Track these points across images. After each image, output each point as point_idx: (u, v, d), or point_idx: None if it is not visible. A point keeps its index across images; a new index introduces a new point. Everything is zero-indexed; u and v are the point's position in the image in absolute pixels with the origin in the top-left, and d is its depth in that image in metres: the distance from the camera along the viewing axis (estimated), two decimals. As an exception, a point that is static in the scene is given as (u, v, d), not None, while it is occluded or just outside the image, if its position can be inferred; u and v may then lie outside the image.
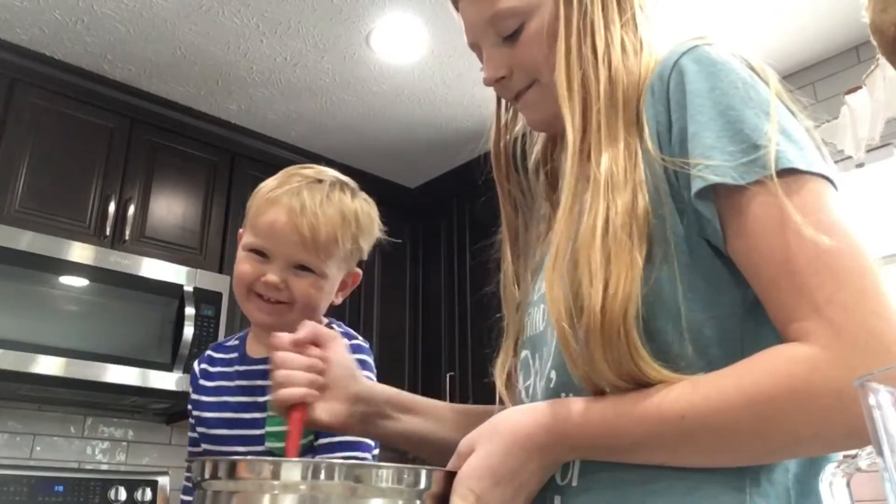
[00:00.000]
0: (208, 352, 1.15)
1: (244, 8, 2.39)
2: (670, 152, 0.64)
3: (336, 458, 0.95)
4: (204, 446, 1.06)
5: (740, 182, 0.59)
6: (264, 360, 1.04)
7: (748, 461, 0.59)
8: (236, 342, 1.12)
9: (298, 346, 0.79)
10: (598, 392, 0.63)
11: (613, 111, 0.68)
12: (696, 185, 0.61)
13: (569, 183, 0.69)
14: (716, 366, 0.60)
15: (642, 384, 0.60)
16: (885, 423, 0.32)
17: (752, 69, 0.66)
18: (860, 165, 2.17)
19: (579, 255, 0.63)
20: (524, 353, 0.79)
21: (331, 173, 1.06)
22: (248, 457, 0.91)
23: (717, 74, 0.64)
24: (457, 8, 0.82)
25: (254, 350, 1.08)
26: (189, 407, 1.11)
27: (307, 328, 0.81)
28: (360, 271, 1.09)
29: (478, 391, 3.08)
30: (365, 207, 1.06)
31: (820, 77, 2.66)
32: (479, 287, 3.65)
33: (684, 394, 0.58)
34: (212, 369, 1.11)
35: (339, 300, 1.08)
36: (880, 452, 0.32)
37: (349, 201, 1.03)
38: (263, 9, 2.39)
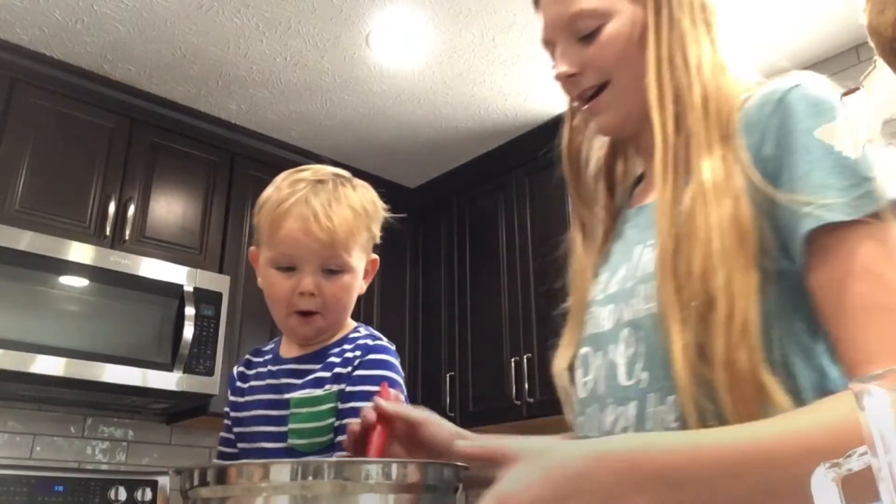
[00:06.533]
0: (247, 356, 1.18)
1: (244, 8, 2.39)
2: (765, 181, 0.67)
3: (329, 459, 0.96)
4: (240, 445, 1.09)
5: (854, 216, 0.62)
6: (293, 360, 1.07)
7: None
8: (272, 346, 1.15)
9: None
10: (699, 400, 0.64)
11: (707, 123, 0.72)
12: (809, 225, 0.63)
13: (663, 186, 0.72)
14: (816, 387, 0.64)
15: (758, 398, 0.62)
16: (881, 424, 0.32)
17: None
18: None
19: (693, 263, 0.66)
20: (584, 349, 0.81)
21: (328, 170, 1.08)
22: (237, 462, 0.93)
23: (822, 113, 0.66)
24: (537, 6, 0.86)
25: (286, 350, 1.10)
26: (226, 409, 1.14)
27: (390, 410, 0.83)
28: (376, 256, 1.11)
29: (478, 391, 3.08)
30: (367, 195, 1.08)
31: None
32: (479, 287, 3.63)
33: (765, 430, 0.58)
34: (249, 372, 1.13)
35: (364, 289, 1.10)
36: (875, 454, 0.32)
37: (353, 194, 1.05)
38: (263, 9, 2.40)
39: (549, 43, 0.84)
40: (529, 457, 0.57)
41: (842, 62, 2.61)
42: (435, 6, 2.39)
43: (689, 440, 0.59)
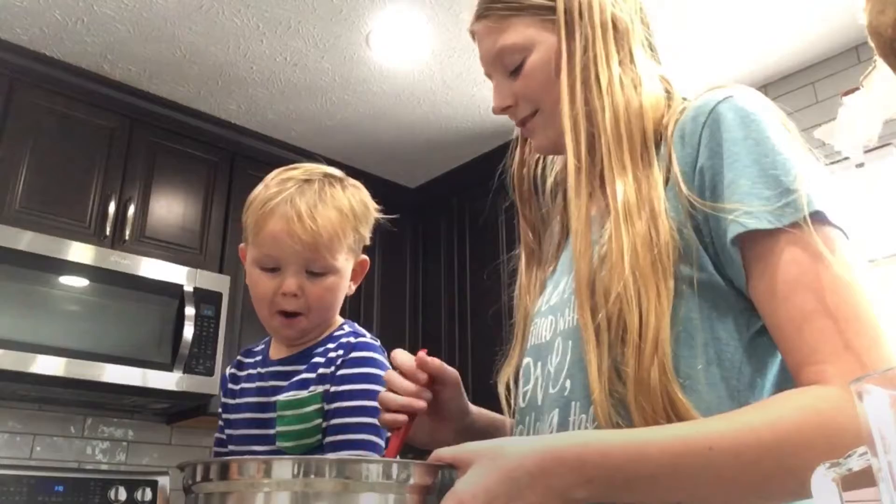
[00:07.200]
0: (238, 357, 1.16)
1: (244, 8, 2.39)
2: (699, 195, 0.69)
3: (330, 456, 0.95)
4: (230, 447, 1.08)
5: (777, 225, 0.63)
6: (280, 361, 1.06)
7: (770, 498, 0.60)
8: (262, 346, 1.14)
9: (415, 371, 0.83)
10: (613, 416, 0.66)
11: (619, 144, 0.73)
12: (734, 231, 0.65)
13: (577, 210, 0.74)
14: (735, 396, 0.65)
15: (668, 416, 0.63)
16: (880, 424, 0.32)
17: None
18: (860, 165, 2.17)
19: (610, 285, 0.67)
20: (526, 360, 0.84)
21: (318, 169, 1.07)
22: (240, 457, 0.93)
23: (751, 123, 0.68)
24: (474, 40, 0.89)
25: (275, 352, 1.09)
26: (220, 409, 1.14)
27: (434, 363, 0.84)
28: (366, 257, 1.10)
29: (478, 391, 3.07)
30: (357, 195, 1.06)
31: (820, 77, 2.66)
32: (478, 287, 3.62)
33: (711, 426, 0.60)
34: (240, 373, 1.12)
35: (353, 290, 1.09)
36: (875, 453, 0.32)
37: (341, 195, 1.03)
38: (263, 9, 2.40)
39: (488, 76, 0.88)
40: (484, 456, 0.59)
41: (842, 62, 2.60)
42: (435, 6, 2.39)
43: (634, 437, 0.61)
